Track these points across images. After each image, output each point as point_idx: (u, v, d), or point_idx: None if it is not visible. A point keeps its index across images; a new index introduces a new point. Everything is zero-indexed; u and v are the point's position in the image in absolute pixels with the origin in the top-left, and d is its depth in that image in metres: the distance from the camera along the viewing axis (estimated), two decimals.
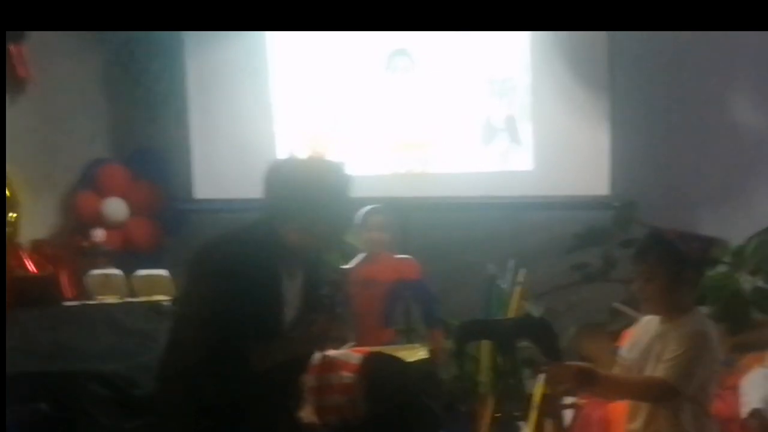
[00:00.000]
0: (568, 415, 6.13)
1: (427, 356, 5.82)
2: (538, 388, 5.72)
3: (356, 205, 4.00)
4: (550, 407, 5.80)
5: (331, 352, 5.65)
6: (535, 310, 6.74)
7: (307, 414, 4.31)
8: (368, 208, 6.30)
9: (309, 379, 5.51)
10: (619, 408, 4.89)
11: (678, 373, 4.00)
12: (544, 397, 5.67)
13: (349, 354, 5.63)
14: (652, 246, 4.23)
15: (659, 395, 4.06)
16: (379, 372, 5.56)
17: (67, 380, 6.41)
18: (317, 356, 5.56)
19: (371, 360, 5.58)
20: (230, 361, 3.73)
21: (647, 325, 4.31)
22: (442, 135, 7.54)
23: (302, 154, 4.14)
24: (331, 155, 4.14)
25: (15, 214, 7.90)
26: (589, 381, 4.15)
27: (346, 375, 5.52)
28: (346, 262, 6.34)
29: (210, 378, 3.76)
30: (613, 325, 6.42)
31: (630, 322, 5.49)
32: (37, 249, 7.91)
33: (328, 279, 4.08)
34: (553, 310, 6.98)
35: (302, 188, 3.85)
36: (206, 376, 3.76)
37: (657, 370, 4.07)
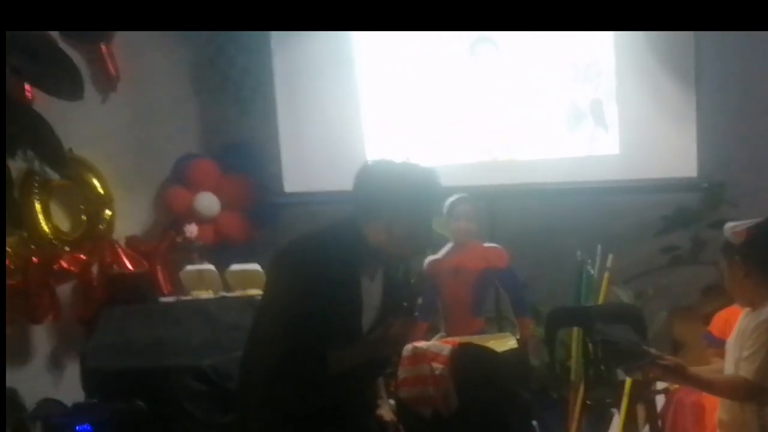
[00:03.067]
0: (660, 400, 6.08)
1: (516, 345, 5.79)
2: None
3: (440, 208, 3.93)
4: (642, 393, 5.76)
5: (422, 344, 5.68)
6: (625, 295, 6.68)
7: (385, 413, 4.27)
8: (455, 197, 6.25)
9: (401, 371, 5.55)
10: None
11: (757, 369, 3.93)
12: (636, 383, 5.63)
13: (439, 345, 5.66)
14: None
15: (745, 394, 3.99)
16: (469, 363, 5.57)
17: (164, 376, 6.55)
18: (408, 348, 5.60)
19: (461, 351, 5.59)
20: (306, 362, 3.74)
21: (744, 314, 4.24)
22: (527, 121, 7.46)
23: (395, 155, 4.07)
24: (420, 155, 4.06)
25: (110, 212, 8.00)
26: (677, 377, 4.11)
27: (437, 366, 5.54)
28: (435, 253, 6.34)
29: (286, 379, 3.77)
30: (705, 308, 6.34)
31: (723, 304, 5.44)
32: (132, 246, 8.00)
33: (408, 283, 4.10)
34: (642, 294, 6.91)
35: (386, 187, 3.85)
36: (283, 376, 3.77)
37: (739, 368, 4.00)
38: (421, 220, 3.90)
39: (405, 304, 3.97)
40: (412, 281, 4.11)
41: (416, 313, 4.13)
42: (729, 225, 4.13)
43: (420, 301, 4.16)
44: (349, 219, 3.92)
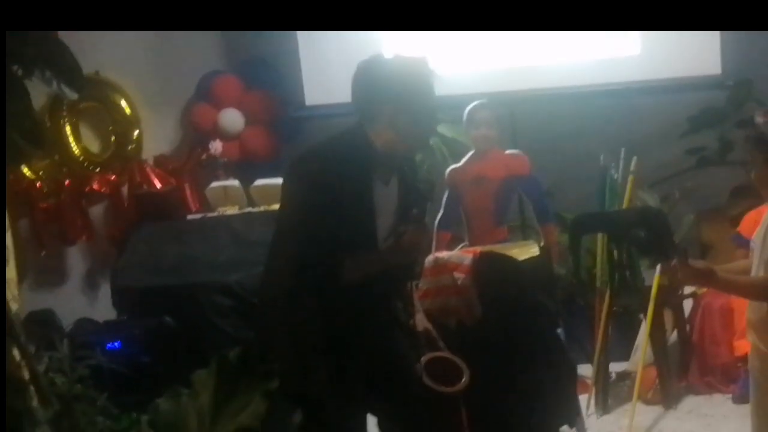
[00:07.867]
0: (688, 305, 5.73)
1: (538, 253, 5.42)
2: (655, 279, 5.29)
3: (435, 97, 3.63)
4: (669, 298, 5.44)
5: (444, 254, 5.35)
6: (651, 199, 6.32)
7: (420, 320, 4.06)
8: (474, 104, 5.90)
9: (423, 282, 5.21)
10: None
11: None
12: (662, 288, 5.27)
13: (460, 255, 5.41)
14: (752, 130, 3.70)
15: None
16: (491, 272, 5.29)
17: (192, 292, 6.28)
18: (430, 259, 5.24)
19: (482, 260, 5.30)
20: (322, 272, 3.56)
21: None
22: None
23: (389, 53, 3.77)
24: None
25: (138, 132, 7.70)
26: (706, 281, 3.69)
27: (459, 276, 5.25)
28: (456, 162, 5.94)
29: (304, 290, 3.59)
30: (733, 210, 6.00)
31: (752, 204, 5.05)
32: (160, 164, 7.79)
33: (419, 189, 3.84)
34: (669, 197, 6.57)
35: (382, 84, 3.65)
36: (300, 287, 3.59)
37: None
38: (422, 109, 3.70)
39: (414, 211, 3.74)
40: (421, 187, 3.75)
41: (426, 220, 3.88)
42: (760, 112, 3.64)
43: (429, 205, 3.82)
44: (354, 125, 3.74)
